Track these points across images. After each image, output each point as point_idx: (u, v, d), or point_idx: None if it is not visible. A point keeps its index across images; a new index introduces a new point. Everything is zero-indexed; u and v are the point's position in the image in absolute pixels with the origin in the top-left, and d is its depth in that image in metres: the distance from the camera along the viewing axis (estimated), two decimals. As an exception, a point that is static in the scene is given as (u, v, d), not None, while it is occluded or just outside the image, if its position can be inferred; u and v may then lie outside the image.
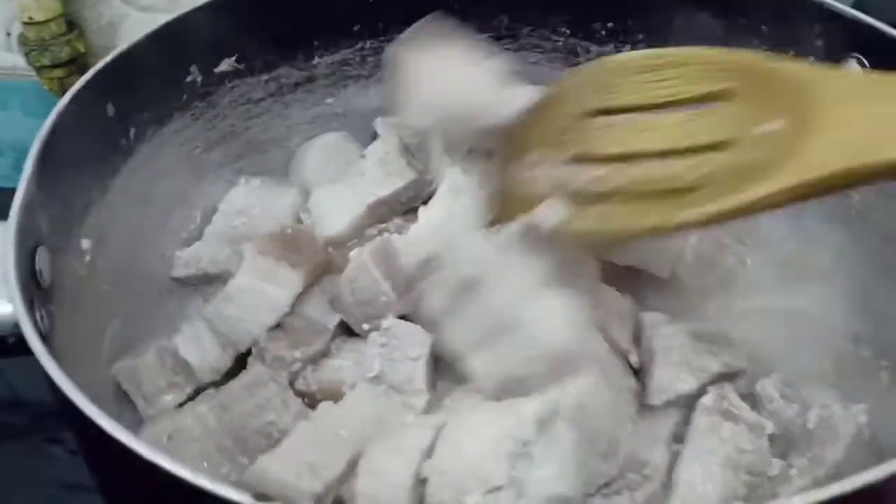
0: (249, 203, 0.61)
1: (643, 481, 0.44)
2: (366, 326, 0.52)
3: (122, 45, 0.50)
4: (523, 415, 0.40)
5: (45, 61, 0.77)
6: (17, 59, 0.82)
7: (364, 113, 0.67)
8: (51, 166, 0.43)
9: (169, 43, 0.54)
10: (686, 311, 0.55)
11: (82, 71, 0.77)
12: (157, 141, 0.56)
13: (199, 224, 0.61)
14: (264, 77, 0.62)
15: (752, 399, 0.48)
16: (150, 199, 0.56)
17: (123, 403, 0.51)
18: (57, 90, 0.80)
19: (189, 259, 0.58)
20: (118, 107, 0.51)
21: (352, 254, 0.57)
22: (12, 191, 0.93)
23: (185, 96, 0.57)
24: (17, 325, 0.36)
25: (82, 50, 0.79)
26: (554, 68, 0.68)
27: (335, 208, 0.58)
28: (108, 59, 0.49)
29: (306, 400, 0.50)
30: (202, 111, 0.59)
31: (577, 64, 0.67)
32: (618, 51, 0.66)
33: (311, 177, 0.63)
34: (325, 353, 0.52)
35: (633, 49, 0.65)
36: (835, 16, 0.54)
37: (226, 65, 0.59)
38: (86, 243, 0.49)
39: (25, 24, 0.76)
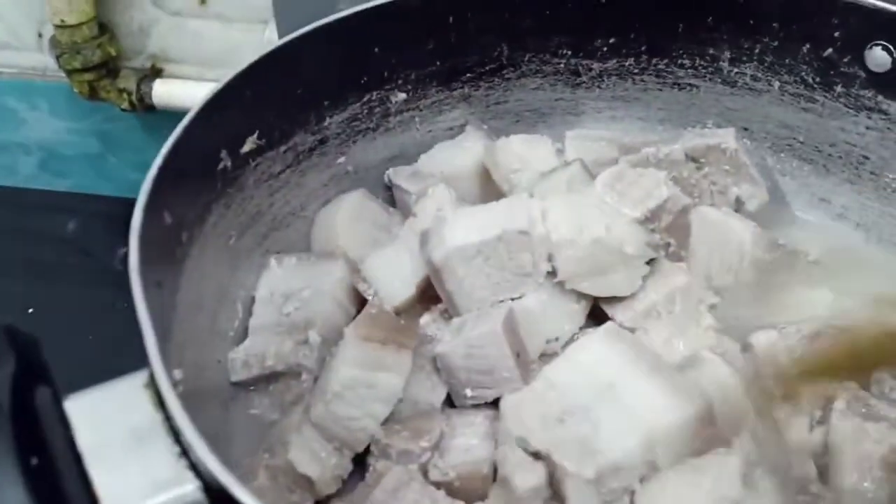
0: (294, 285, 0.56)
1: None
2: (469, 393, 0.49)
3: (165, 147, 0.45)
4: (728, 472, 0.39)
5: (77, 65, 0.76)
6: (47, 60, 0.82)
7: (373, 165, 0.65)
8: (150, 301, 0.38)
9: (202, 133, 0.49)
10: (766, 315, 0.56)
11: (113, 75, 0.80)
12: (201, 240, 0.50)
13: (242, 318, 0.56)
14: (282, 148, 0.58)
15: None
16: (202, 304, 0.51)
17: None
18: (87, 94, 0.80)
19: (247, 359, 0.53)
20: (172, 213, 0.45)
21: (423, 320, 0.54)
22: (38, 192, 0.85)
23: (218, 185, 0.52)
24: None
25: (113, 53, 0.78)
26: (556, 91, 0.67)
27: (396, 275, 0.55)
28: (158, 162, 0.44)
29: (444, 491, 0.46)
30: (232, 197, 0.54)
31: (579, 84, 0.67)
32: (621, 66, 0.66)
33: (348, 244, 0.59)
34: (443, 435, 0.48)
35: (635, 62, 0.65)
36: (851, 6, 0.56)
37: (249, 143, 0.54)
38: (177, 374, 0.43)
39: (57, 27, 0.74)
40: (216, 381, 0.52)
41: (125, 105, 0.79)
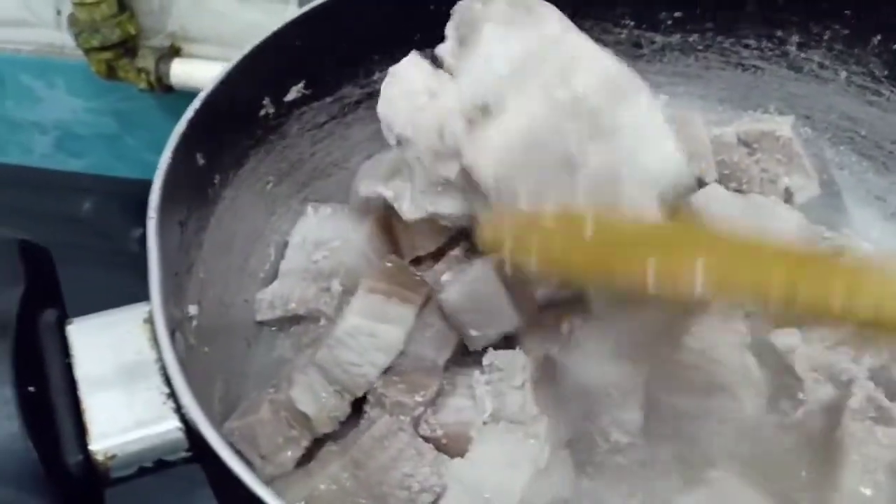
0: (325, 234, 0.58)
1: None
2: (473, 333, 0.50)
3: (206, 88, 0.46)
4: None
5: (95, 43, 0.75)
6: (65, 38, 0.81)
7: (421, 122, 0.65)
8: (165, 239, 0.40)
9: (245, 78, 0.50)
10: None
11: (132, 54, 0.79)
12: (236, 184, 0.52)
13: (274, 261, 0.58)
14: (328, 99, 0.59)
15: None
16: (232, 245, 0.53)
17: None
18: (105, 73, 0.79)
19: (273, 300, 0.56)
20: (206, 155, 0.47)
21: (437, 266, 0.55)
22: (53, 173, 0.85)
23: (259, 131, 0.54)
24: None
25: (133, 32, 0.77)
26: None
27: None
28: (195, 104, 0.46)
29: (432, 445, 0.48)
30: (273, 144, 0.56)
31: (640, 56, 0.65)
32: (684, 41, 0.64)
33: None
34: (440, 392, 0.50)
35: (700, 38, 0.63)
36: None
37: (294, 92, 0.56)
38: (192, 309, 0.45)
39: (76, 4, 0.73)
40: (242, 319, 0.55)
41: (143, 85, 0.78)
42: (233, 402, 0.51)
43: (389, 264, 0.51)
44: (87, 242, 0.84)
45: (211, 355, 0.49)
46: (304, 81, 0.56)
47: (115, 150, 0.91)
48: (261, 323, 0.56)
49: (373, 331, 0.48)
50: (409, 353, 0.50)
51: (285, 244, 0.58)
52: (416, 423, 0.48)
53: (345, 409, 0.49)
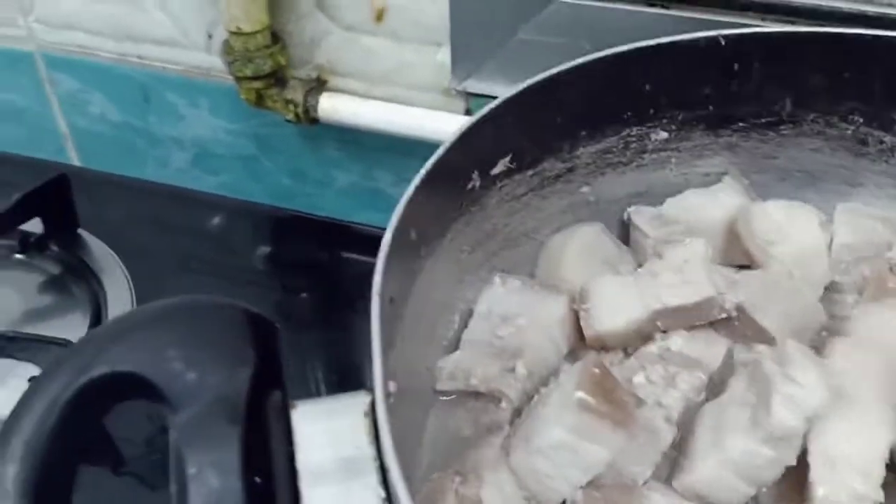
0: (513, 309, 0.56)
1: None
2: None
3: (424, 168, 0.46)
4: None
5: (248, 72, 0.76)
6: (213, 61, 0.83)
7: (616, 199, 0.63)
8: (383, 321, 0.39)
9: (459, 155, 0.49)
10: None
11: (281, 85, 0.80)
12: (437, 254, 0.51)
13: (457, 330, 0.57)
14: (530, 172, 0.57)
15: None
16: (423, 314, 0.52)
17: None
18: (254, 101, 0.80)
19: (454, 371, 0.54)
20: (418, 230, 0.47)
21: (636, 379, 0.53)
22: (187, 191, 0.84)
23: (463, 203, 0.53)
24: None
25: (283, 63, 0.78)
26: (836, 157, 0.62)
27: (615, 303, 0.53)
28: (416, 181, 0.45)
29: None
30: (473, 215, 0.55)
31: (864, 154, 0.61)
32: (918, 143, 0.59)
33: (573, 277, 0.58)
34: (638, 507, 0.47)
35: (936, 142, 0.58)
36: None
37: (501, 166, 0.54)
38: (392, 386, 0.44)
39: (232, 33, 0.74)
40: (422, 388, 0.54)
41: (290, 116, 0.79)
42: (406, 475, 0.50)
43: (596, 370, 0.48)
44: (213, 257, 0.87)
45: (395, 427, 0.48)
46: (510, 155, 0.55)
47: (251, 172, 0.92)
48: (438, 392, 0.55)
49: (577, 448, 0.45)
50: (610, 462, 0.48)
51: (469, 312, 0.57)
52: (611, 545, 0.46)
53: (531, 518, 0.47)
